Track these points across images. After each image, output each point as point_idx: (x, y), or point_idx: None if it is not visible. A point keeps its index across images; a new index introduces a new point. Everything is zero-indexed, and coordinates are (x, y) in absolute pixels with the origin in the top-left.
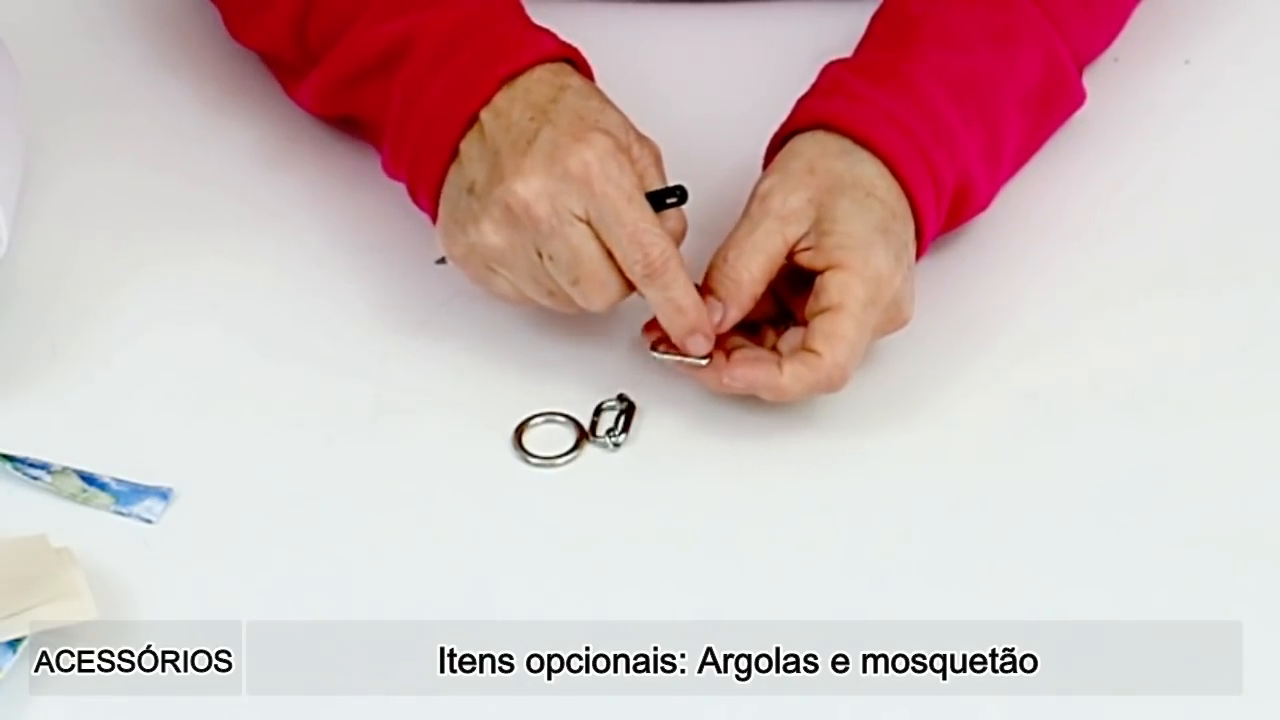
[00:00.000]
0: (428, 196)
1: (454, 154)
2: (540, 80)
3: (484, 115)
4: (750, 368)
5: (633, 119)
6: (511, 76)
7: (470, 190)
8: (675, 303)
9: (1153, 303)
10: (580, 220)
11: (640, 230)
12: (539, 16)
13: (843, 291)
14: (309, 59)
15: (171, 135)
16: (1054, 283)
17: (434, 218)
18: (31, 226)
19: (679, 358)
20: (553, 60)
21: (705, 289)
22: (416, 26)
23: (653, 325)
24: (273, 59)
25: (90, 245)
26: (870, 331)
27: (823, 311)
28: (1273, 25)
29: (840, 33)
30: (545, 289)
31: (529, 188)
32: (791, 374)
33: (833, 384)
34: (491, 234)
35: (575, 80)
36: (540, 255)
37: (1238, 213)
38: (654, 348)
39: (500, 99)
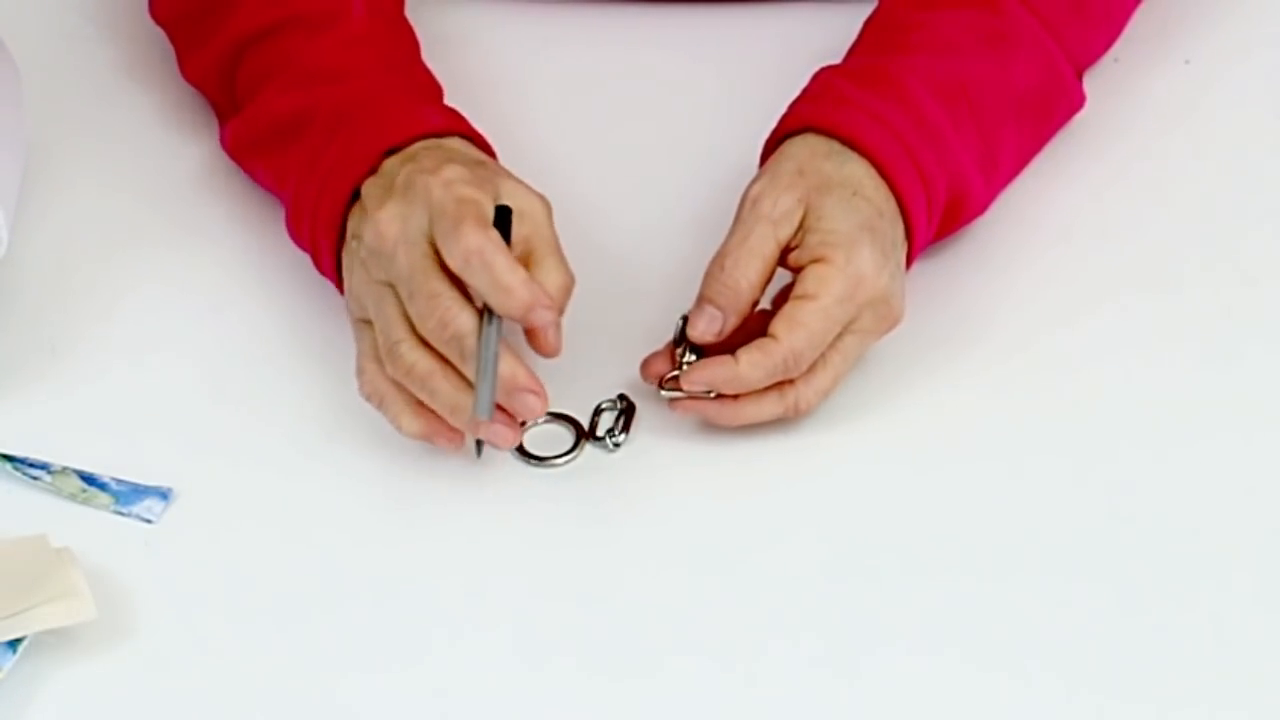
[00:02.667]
0: (329, 268)
1: (344, 222)
2: (425, 148)
3: (365, 186)
4: (705, 367)
5: (631, 119)
6: (396, 148)
7: (355, 237)
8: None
9: (1151, 303)
10: (428, 240)
11: (483, 252)
12: (538, 18)
13: (818, 284)
14: (233, 108)
15: (173, 135)
16: (1051, 282)
17: (339, 287)
18: (32, 226)
19: (687, 395)
20: (440, 135)
21: (703, 298)
22: (315, 102)
23: (649, 364)
24: (207, 99)
25: (91, 245)
26: (839, 326)
27: (794, 300)
28: (1273, 25)
29: (838, 34)
30: (412, 362)
31: (385, 212)
32: (748, 361)
33: (788, 369)
34: (359, 278)
35: (458, 143)
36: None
37: (1237, 213)
38: (662, 385)
39: (384, 166)
